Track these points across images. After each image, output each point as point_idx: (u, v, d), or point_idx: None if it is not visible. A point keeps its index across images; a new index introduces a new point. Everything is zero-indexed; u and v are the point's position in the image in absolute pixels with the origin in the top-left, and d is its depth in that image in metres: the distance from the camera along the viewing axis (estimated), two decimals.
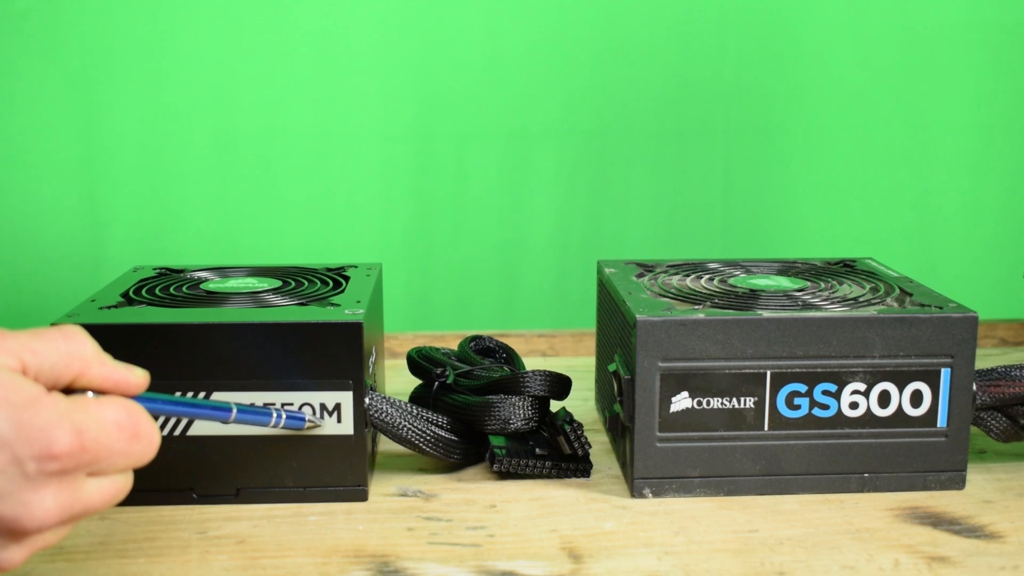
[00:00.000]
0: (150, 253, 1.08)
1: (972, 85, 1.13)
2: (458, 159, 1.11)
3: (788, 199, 1.15)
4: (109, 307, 0.70)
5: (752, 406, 0.68)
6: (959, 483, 0.70)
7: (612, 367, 0.72)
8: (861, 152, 1.14)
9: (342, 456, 0.67)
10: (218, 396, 0.66)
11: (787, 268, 0.82)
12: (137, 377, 0.51)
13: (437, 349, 0.79)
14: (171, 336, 0.66)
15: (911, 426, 0.69)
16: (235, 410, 0.60)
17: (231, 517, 0.66)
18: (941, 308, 0.69)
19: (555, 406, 0.73)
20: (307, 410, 0.67)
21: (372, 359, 0.72)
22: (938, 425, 0.69)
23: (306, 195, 1.11)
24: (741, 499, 0.69)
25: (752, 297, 0.72)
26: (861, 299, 0.72)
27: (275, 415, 0.64)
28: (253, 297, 0.73)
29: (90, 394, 0.49)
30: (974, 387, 0.69)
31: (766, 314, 0.68)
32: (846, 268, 0.82)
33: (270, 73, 1.08)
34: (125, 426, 0.48)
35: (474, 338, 0.82)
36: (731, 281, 0.77)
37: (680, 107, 1.12)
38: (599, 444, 0.77)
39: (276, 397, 0.66)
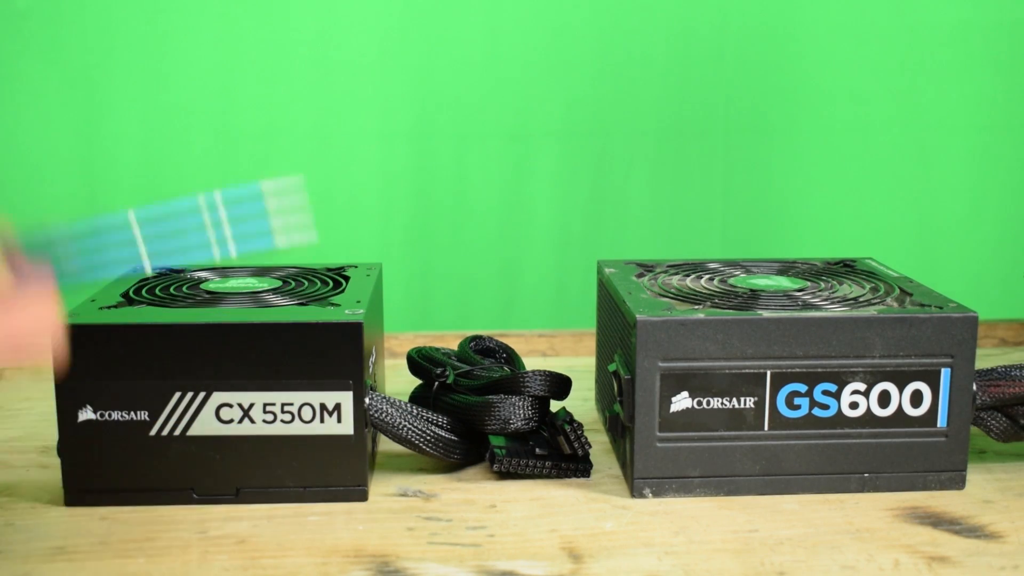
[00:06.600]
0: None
1: (972, 85, 1.13)
2: (458, 159, 1.11)
3: (788, 199, 1.15)
4: (109, 307, 0.70)
5: (752, 406, 0.68)
6: (959, 483, 0.70)
7: (612, 367, 0.72)
8: (861, 152, 1.14)
9: (342, 456, 0.67)
10: (218, 395, 0.66)
11: (787, 268, 0.82)
12: None
13: (437, 349, 0.79)
14: (171, 336, 0.66)
15: (911, 426, 0.69)
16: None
17: (231, 517, 0.66)
18: (941, 308, 0.69)
19: (555, 406, 0.73)
20: (307, 410, 0.67)
21: (372, 359, 0.72)
22: (938, 425, 0.69)
23: (306, 195, 1.11)
24: (741, 499, 0.69)
25: (752, 297, 0.72)
26: (861, 299, 0.72)
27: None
28: (253, 297, 0.73)
29: None
30: (974, 387, 0.69)
31: (766, 314, 0.68)
32: (846, 268, 0.82)
33: (270, 73, 1.08)
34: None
35: (474, 338, 0.82)
36: (731, 281, 0.77)
37: (680, 107, 1.12)
38: (599, 444, 0.77)
39: (276, 397, 0.66)
